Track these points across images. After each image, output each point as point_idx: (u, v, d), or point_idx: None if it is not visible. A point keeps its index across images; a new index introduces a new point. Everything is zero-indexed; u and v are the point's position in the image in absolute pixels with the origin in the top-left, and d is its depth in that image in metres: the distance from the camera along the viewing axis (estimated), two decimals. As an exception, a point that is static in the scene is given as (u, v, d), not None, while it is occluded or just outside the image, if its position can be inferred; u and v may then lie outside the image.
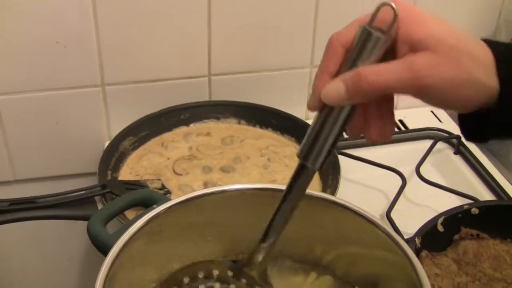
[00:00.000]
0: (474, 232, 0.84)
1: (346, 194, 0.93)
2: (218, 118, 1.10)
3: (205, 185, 0.96)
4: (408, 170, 1.01)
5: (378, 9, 0.52)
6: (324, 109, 0.54)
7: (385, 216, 0.92)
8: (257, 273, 0.64)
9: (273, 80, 1.14)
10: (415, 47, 0.51)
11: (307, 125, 1.07)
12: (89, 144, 1.10)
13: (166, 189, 0.95)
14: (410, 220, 0.88)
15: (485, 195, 0.99)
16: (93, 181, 0.95)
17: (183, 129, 1.08)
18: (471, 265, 0.81)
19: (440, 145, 1.10)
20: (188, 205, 0.65)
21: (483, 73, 0.52)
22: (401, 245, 0.61)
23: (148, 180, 0.96)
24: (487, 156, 1.08)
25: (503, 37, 1.19)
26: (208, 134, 1.07)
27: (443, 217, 0.83)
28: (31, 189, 1.09)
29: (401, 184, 0.97)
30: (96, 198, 0.91)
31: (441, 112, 1.19)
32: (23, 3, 0.95)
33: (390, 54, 0.53)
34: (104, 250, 0.62)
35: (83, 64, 1.03)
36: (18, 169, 1.10)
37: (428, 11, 1.16)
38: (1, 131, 1.05)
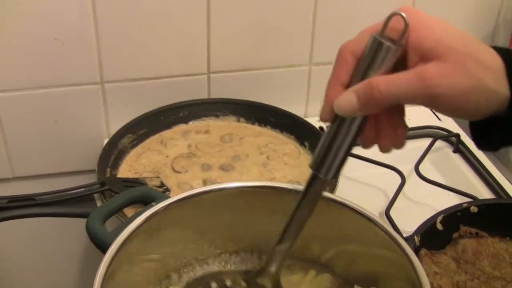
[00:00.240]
0: (473, 230, 0.84)
1: (345, 192, 0.92)
2: (217, 116, 1.10)
3: (204, 183, 0.96)
4: (407, 168, 1.01)
5: (389, 19, 0.51)
6: (336, 120, 0.54)
7: (384, 214, 0.92)
8: (271, 283, 0.64)
9: (272, 78, 1.14)
10: (425, 56, 0.51)
11: (306, 123, 1.07)
12: (88, 142, 1.10)
13: (165, 187, 0.95)
14: (409, 218, 0.88)
15: (484, 194, 0.99)
16: (92, 178, 0.95)
17: (182, 127, 1.08)
18: (470, 263, 0.81)
19: (439, 143, 1.10)
20: (187, 203, 0.65)
21: (493, 79, 0.52)
22: (400, 243, 0.61)
23: (147, 177, 0.96)
24: (486, 154, 1.08)
25: (502, 36, 1.19)
26: (207, 132, 1.07)
27: (442, 215, 0.83)
28: (30, 186, 1.09)
29: (400, 182, 0.97)
30: (95, 195, 0.91)
31: (440, 111, 1.19)
32: (21, 1, 0.95)
33: (400, 63, 0.52)
34: (103, 247, 0.62)
35: (82, 61, 1.03)
36: (17, 166, 1.10)
37: (428, 10, 1.16)
38: (0, 128, 1.05)
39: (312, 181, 0.58)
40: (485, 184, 1.02)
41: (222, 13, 1.04)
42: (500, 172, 1.04)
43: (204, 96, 1.12)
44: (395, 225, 0.89)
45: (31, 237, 1.19)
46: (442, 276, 0.78)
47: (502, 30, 1.19)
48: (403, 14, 0.51)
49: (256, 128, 1.09)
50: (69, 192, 0.88)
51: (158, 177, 0.97)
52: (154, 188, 0.93)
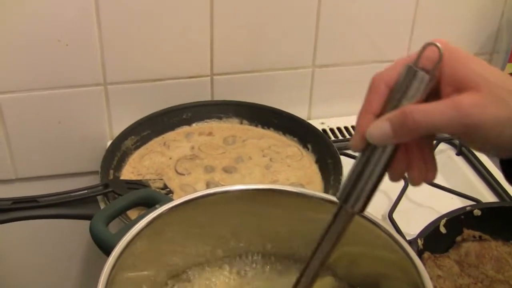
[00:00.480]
0: (477, 233, 0.84)
1: (348, 194, 0.92)
2: (220, 118, 1.10)
3: (207, 185, 0.96)
4: (410, 171, 1.01)
5: (424, 49, 0.51)
6: (366, 149, 0.53)
7: (387, 217, 0.92)
8: None
9: (275, 80, 1.14)
10: (460, 87, 0.51)
11: (309, 125, 1.07)
12: (91, 143, 1.10)
13: (168, 189, 0.95)
14: (413, 221, 0.88)
15: (488, 197, 0.99)
16: (95, 180, 0.95)
17: (185, 128, 1.08)
18: (474, 266, 0.81)
19: (442, 146, 1.09)
20: (191, 205, 0.65)
21: None
22: (404, 246, 0.61)
23: (150, 179, 0.96)
24: (489, 157, 1.07)
25: (505, 37, 1.19)
26: (210, 133, 1.07)
27: (445, 218, 0.83)
28: (33, 188, 1.09)
29: (404, 185, 0.97)
30: (98, 197, 0.91)
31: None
32: (25, 2, 0.95)
33: (432, 94, 0.52)
34: (106, 249, 0.62)
35: (86, 63, 1.03)
36: (21, 168, 1.10)
37: (431, 11, 1.16)
38: (3, 129, 1.05)
39: (338, 213, 0.56)
40: (488, 187, 1.02)
41: (226, 15, 1.05)
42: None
43: (207, 98, 1.12)
44: (398, 228, 0.89)
45: (34, 238, 1.19)
46: (446, 279, 0.78)
47: (505, 31, 1.19)
48: (438, 44, 0.51)
49: (259, 130, 1.09)
50: (72, 194, 0.88)
51: (161, 179, 0.97)
52: (157, 190, 0.93)
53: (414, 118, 0.50)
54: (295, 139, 1.07)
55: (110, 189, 0.90)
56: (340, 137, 1.15)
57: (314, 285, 0.60)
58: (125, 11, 1.00)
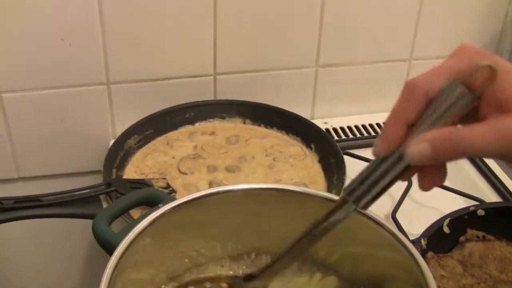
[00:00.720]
0: (480, 234, 0.84)
1: (351, 194, 0.92)
2: (223, 117, 1.10)
3: (210, 184, 0.96)
4: (413, 170, 1.01)
5: (477, 69, 0.48)
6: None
7: (391, 217, 0.91)
8: None
9: (279, 79, 1.14)
10: (502, 108, 0.49)
11: (312, 124, 1.07)
12: (94, 143, 1.10)
13: (171, 188, 0.95)
14: (416, 221, 0.88)
15: (491, 197, 0.99)
16: (98, 179, 0.95)
17: (188, 128, 1.08)
18: (477, 267, 0.81)
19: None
20: (194, 204, 0.65)
21: None
22: (407, 246, 0.60)
23: (153, 179, 0.96)
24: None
25: (509, 37, 1.19)
26: (213, 133, 1.07)
27: (449, 218, 0.82)
28: (35, 187, 1.09)
29: (407, 185, 0.97)
30: (101, 196, 0.91)
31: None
32: (28, 1, 0.95)
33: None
34: (109, 249, 0.62)
35: (88, 62, 1.03)
36: (23, 167, 1.10)
37: (435, 11, 1.16)
38: (6, 129, 1.05)
39: (340, 205, 0.56)
40: (492, 187, 1.01)
41: (229, 14, 1.04)
42: (507, 175, 1.04)
43: (210, 97, 1.12)
44: (402, 228, 0.88)
45: (36, 237, 1.20)
46: (449, 279, 0.78)
47: (509, 31, 1.19)
48: (494, 67, 0.48)
49: (262, 129, 1.09)
50: (75, 193, 0.88)
51: (164, 179, 0.97)
52: (160, 189, 0.93)
53: (460, 144, 0.48)
54: (298, 138, 1.06)
55: (112, 188, 0.90)
56: (344, 137, 1.15)
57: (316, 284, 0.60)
58: (128, 10, 1.00)
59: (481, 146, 0.48)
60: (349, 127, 1.17)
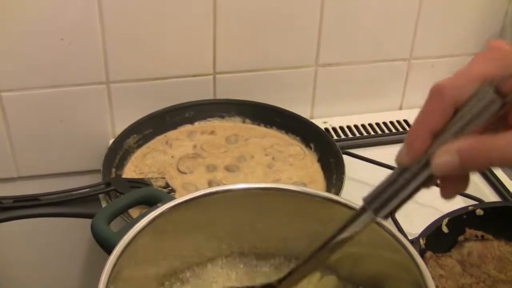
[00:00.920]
0: (479, 233, 0.84)
1: (350, 194, 0.92)
2: (222, 117, 1.10)
3: (209, 183, 0.96)
4: (412, 170, 1.01)
5: (510, 75, 0.46)
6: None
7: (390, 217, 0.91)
8: None
9: (278, 79, 1.14)
10: None
11: (312, 124, 1.07)
12: (93, 142, 1.10)
13: (170, 188, 0.95)
14: (415, 220, 0.88)
15: (490, 196, 0.99)
16: (97, 178, 0.95)
17: (187, 127, 1.08)
18: (476, 266, 0.81)
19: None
20: (193, 204, 0.65)
21: None
22: (406, 245, 0.60)
23: (152, 178, 0.96)
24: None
25: (509, 36, 1.19)
26: (212, 132, 1.07)
27: (447, 218, 0.82)
28: (35, 186, 1.10)
29: (406, 184, 0.97)
30: (100, 196, 0.91)
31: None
32: (28, 0, 0.95)
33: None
34: (108, 248, 0.62)
35: (88, 61, 1.03)
36: (22, 166, 1.10)
37: (435, 10, 1.16)
38: (5, 128, 1.05)
39: (359, 214, 0.54)
40: (491, 187, 1.01)
41: (229, 14, 1.04)
42: (506, 174, 1.04)
43: (210, 96, 1.12)
44: (401, 227, 0.88)
45: (35, 237, 1.19)
46: (448, 279, 0.78)
47: (509, 30, 1.19)
48: None
49: (262, 129, 1.09)
50: (74, 192, 0.88)
51: (163, 178, 0.97)
52: (159, 188, 0.93)
53: (490, 154, 0.46)
54: (298, 138, 1.06)
55: (112, 188, 0.90)
56: (343, 136, 1.15)
57: (316, 284, 0.60)
58: (128, 9, 1.00)
59: (510, 155, 0.45)
60: (348, 127, 1.17)
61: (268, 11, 1.06)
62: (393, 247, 0.61)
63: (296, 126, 1.07)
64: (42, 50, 1.00)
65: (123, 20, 1.01)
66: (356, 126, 1.17)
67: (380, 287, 0.66)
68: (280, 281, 0.61)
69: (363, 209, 0.53)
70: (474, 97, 0.46)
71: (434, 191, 1.02)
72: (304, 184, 0.96)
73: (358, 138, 1.14)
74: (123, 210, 0.72)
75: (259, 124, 1.09)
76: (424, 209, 0.97)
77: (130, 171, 0.99)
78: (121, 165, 0.99)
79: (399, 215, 0.91)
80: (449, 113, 0.47)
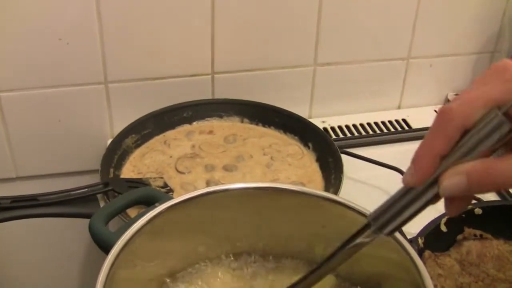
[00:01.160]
0: (478, 232, 0.84)
1: (348, 193, 0.92)
2: (221, 117, 1.10)
3: (208, 183, 0.96)
4: (411, 169, 1.01)
5: None
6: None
7: (388, 216, 0.91)
8: None
9: (277, 78, 1.14)
10: None
11: (310, 123, 1.07)
12: (91, 142, 1.10)
13: (168, 187, 0.95)
14: (413, 220, 0.88)
15: (489, 195, 0.99)
16: (95, 178, 0.95)
17: (186, 127, 1.08)
18: (475, 265, 0.81)
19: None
20: (191, 203, 0.65)
21: None
22: (404, 245, 0.60)
23: (150, 178, 0.96)
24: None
25: (507, 36, 1.19)
26: (211, 132, 1.07)
27: (446, 217, 0.82)
28: (33, 186, 1.09)
29: (404, 184, 0.97)
30: (98, 196, 0.91)
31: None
32: (26, 0, 0.95)
33: None
34: (105, 248, 0.62)
35: (86, 61, 1.03)
36: (20, 166, 1.10)
37: (434, 10, 1.16)
38: (3, 128, 1.05)
39: (363, 230, 0.54)
40: (490, 186, 1.01)
41: (227, 13, 1.04)
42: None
43: (208, 96, 1.12)
44: (399, 226, 0.88)
45: (34, 237, 1.19)
46: (446, 278, 0.78)
47: (507, 30, 1.19)
48: None
49: (260, 128, 1.09)
50: (72, 192, 0.88)
51: (162, 178, 0.97)
52: (158, 188, 0.93)
53: (498, 178, 0.45)
54: (296, 137, 1.06)
55: (110, 188, 0.90)
56: (341, 136, 1.15)
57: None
58: (126, 9, 1.00)
59: None
60: (346, 126, 1.17)
61: (266, 10, 1.06)
62: (391, 247, 0.61)
63: (294, 126, 1.07)
64: (41, 50, 1.00)
65: (121, 20, 1.01)
66: (354, 126, 1.18)
67: (379, 287, 0.66)
68: None
69: (366, 226, 0.53)
70: (483, 120, 0.46)
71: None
72: (303, 184, 0.96)
73: (356, 138, 1.14)
74: (121, 210, 0.72)
75: (257, 124, 1.09)
76: (423, 208, 0.97)
77: (128, 171, 0.99)
78: (119, 165, 0.99)
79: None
80: (457, 137, 0.47)
